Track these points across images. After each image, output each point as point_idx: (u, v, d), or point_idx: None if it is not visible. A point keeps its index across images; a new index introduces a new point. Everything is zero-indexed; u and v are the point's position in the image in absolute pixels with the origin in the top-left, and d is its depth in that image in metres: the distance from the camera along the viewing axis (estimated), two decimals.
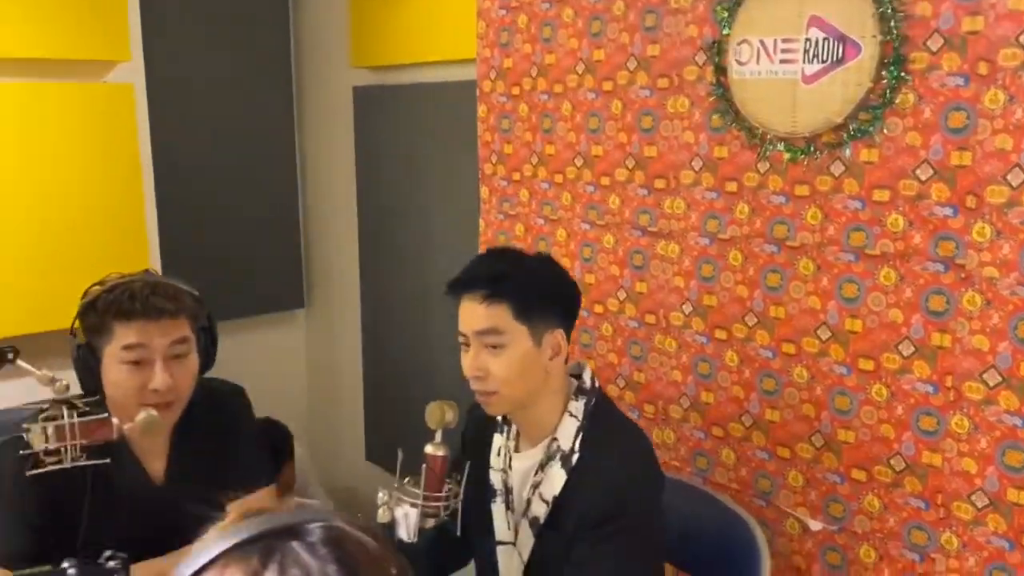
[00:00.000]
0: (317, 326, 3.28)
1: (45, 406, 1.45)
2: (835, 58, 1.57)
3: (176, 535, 1.73)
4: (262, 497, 1.67)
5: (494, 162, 2.34)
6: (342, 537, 0.70)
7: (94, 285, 1.68)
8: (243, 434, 1.82)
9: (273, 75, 3.00)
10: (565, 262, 2.17)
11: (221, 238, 2.92)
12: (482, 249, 2.40)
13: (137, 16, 2.39)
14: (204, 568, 0.67)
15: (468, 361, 1.48)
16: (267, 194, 3.05)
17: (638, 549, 1.40)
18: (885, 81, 1.53)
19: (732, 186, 1.79)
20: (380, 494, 1.40)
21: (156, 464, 1.72)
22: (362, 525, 0.73)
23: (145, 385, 1.62)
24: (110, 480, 1.60)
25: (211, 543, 0.70)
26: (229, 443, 1.79)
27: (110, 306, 1.61)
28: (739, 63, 1.71)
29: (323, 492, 2.88)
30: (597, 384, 1.52)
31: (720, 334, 1.85)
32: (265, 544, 0.68)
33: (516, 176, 2.28)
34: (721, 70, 1.77)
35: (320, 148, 3.09)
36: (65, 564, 0.76)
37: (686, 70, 1.84)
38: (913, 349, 1.55)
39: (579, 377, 1.51)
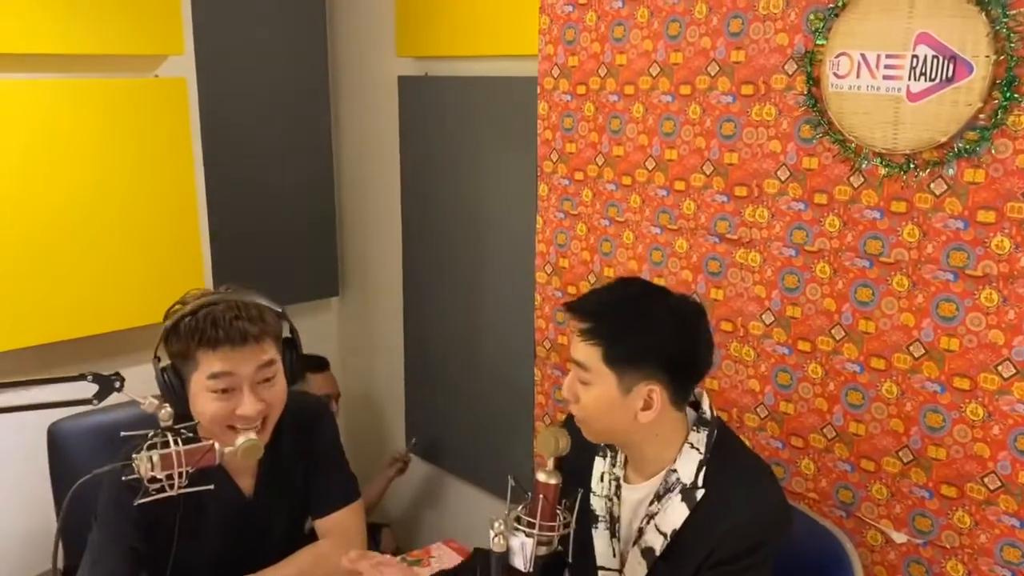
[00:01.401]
0: (350, 314, 3.24)
1: (150, 433, 1.41)
2: (944, 77, 1.54)
3: (264, 550, 1.73)
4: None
5: (554, 160, 2.30)
6: None
7: (175, 304, 1.64)
8: (330, 452, 1.80)
9: (313, 64, 2.92)
10: (632, 265, 2.15)
11: (262, 230, 2.87)
12: (538, 247, 2.38)
13: (188, 9, 2.31)
14: None
15: (565, 382, 1.47)
16: (305, 185, 2.99)
17: None
18: (996, 101, 1.51)
19: (822, 198, 1.77)
20: (496, 523, 1.39)
21: (246, 481, 1.71)
22: None
23: (233, 412, 1.60)
24: (202, 498, 1.58)
25: None
26: (318, 460, 1.77)
27: (193, 333, 1.58)
28: (837, 76, 1.68)
29: None
30: (716, 414, 1.50)
31: (803, 345, 1.85)
32: None
33: (579, 176, 2.24)
34: (813, 81, 1.74)
35: (360, 138, 3.03)
36: None
37: (774, 78, 1.81)
38: (1014, 371, 1.56)
39: (697, 406, 1.49)
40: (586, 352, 1.41)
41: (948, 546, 1.68)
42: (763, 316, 1.91)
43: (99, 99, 2.25)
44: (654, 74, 2.02)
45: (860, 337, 1.76)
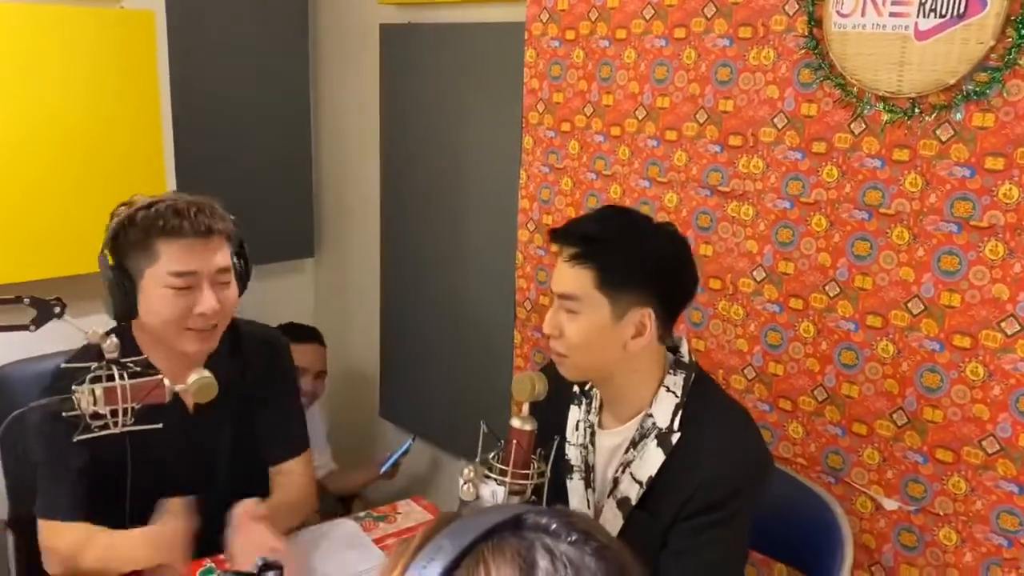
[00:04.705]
0: (327, 276, 3.13)
1: (93, 366, 1.31)
2: (956, 13, 1.45)
3: (211, 472, 1.64)
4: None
5: (540, 111, 2.20)
6: (582, 524, 0.66)
7: (121, 206, 1.55)
8: (287, 393, 1.73)
9: (291, 11, 2.79)
10: None
11: (232, 181, 2.73)
12: (521, 203, 2.28)
13: None
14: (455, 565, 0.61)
15: (547, 318, 1.38)
16: (278, 139, 2.86)
17: (742, 534, 1.32)
18: (1010, 40, 1.42)
19: (820, 146, 1.68)
20: (465, 470, 1.30)
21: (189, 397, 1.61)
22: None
23: (190, 310, 1.51)
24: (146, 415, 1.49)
25: (440, 541, 0.63)
26: (274, 398, 1.71)
27: (153, 223, 1.49)
28: (840, 14, 1.59)
29: (329, 452, 2.77)
30: (695, 358, 1.42)
31: (795, 303, 1.76)
32: (506, 538, 0.63)
33: (566, 127, 2.14)
34: (815, 21, 1.65)
35: (339, 90, 2.91)
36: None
37: (773, 19, 1.71)
38: (1018, 327, 1.48)
39: (676, 350, 1.41)
40: (576, 279, 1.32)
41: (941, 513, 1.60)
42: (754, 272, 1.82)
43: (62, 28, 2.12)
44: (648, 17, 1.92)
45: (856, 293, 1.67)
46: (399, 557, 0.67)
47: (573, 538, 0.63)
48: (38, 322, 1.26)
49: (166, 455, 1.59)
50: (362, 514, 1.71)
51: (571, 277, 1.33)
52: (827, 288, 1.71)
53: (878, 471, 1.68)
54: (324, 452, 2.73)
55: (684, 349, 1.41)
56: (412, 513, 1.71)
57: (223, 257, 1.56)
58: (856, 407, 1.70)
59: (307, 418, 2.66)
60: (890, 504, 1.68)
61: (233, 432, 1.70)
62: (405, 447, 2.65)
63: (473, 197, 2.47)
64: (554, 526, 0.64)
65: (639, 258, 1.33)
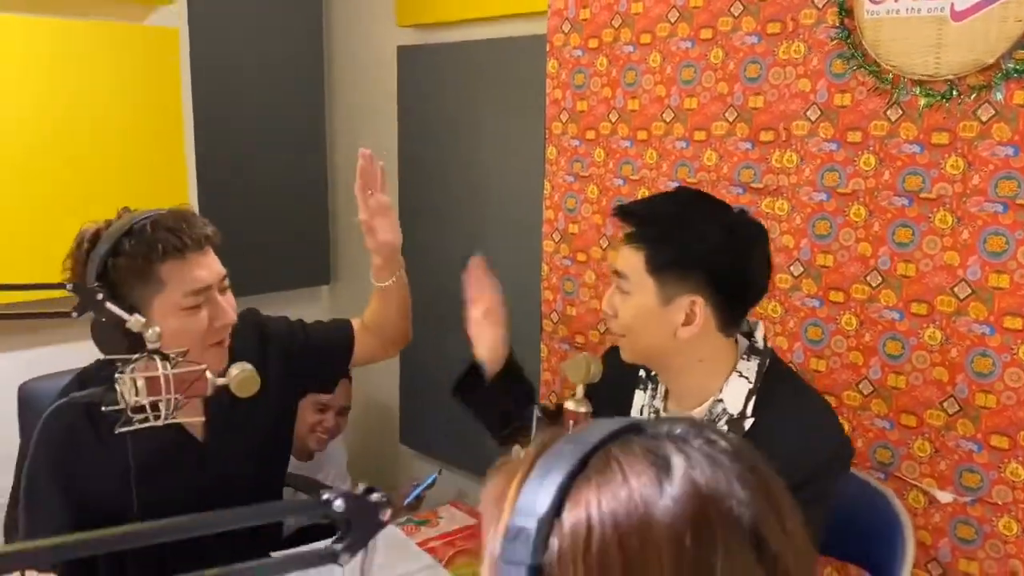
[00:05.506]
0: (341, 304, 3.10)
1: (133, 357, 1.26)
2: None
3: (227, 500, 1.54)
4: None
5: (564, 120, 2.20)
6: (707, 429, 0.62)
7: (81, 243, 1.40)
8: (298, 328, 1.73)
9: (307, 40, 2.81)
10: None
11: (250, 207, 2.73)
12: (546, 214, 2.27)
13: None
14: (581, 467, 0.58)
15: (605, 296, 1.36)
16: (294, 164, 2.86)
17: (815, 525, 1.26)
18: None
19: (855, 136, 1.67)
20: (521, 454, 1.25)
21: (195, 423, 1.54)
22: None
23: (209, 325, 1.45)
24: (150, 453, 1.42)
25: (561, 452, 0.59)
26: (295, 344, 1.68)
27: (151, 248, 1.36)
28: (873, 2, 1.60)
29: (349, 483, 2.71)
30: (770, 345, 1.38)
31: (836, 296, 1.74)
32: (631, 439, 0.60)
33: (590, 134, 2.14)
34: (846, 12, 1.65)
35: (355, 114, 2.92)
36: (327, 495, 0.61)
37: (802, 13, 1.72)
38: None
39: (750, 336, 1.37)
40: (628, 258, 1.30)
41: (1000, 502, 1.56)
42: (791, 267, 1.80)
43: (84, 42, 2.12)
44: (672, 20, 1.93)
45: (899, 281, 1.65)
46: (509, 475, 0.63)
47: (701, 440, 0.60)
48: (80, 309, 1.22)
49: (174, 494, 1.45)
50: (403, 519, 1.65)
51: (624, 256, 1.31)
52: (869, 278, 1.69)
53: (930, 463, 1.64)
54: (344, 483, 2.68)
55: (759, 334, 1.37)
56: (455, 517, 1.67)
57: (219, 262, 1.48)
58: (904, 398, 1.66)
59: (327, 451, 2.63)
60: (944, 496, 1.63)
61: (247, 456, 1.60)
62: (430, 480, 2.58)
63: (494, 214, 2.45)
64: (678, 431, 0.61)
65: (688, 244, 1.30)
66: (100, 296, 1.22)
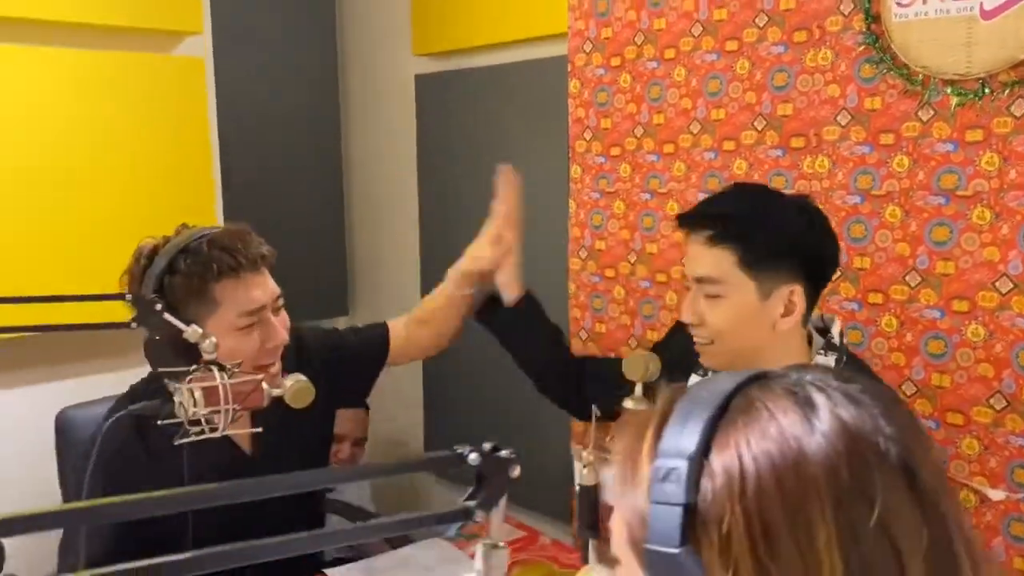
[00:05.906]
0: None
1: (191, 368, 1.25)
2: None
3: (267, 517, 1.52)
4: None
5: (588, 139, 2.22)
6: (843, 375, 0.63)
7: (138, 261, 1.41)
8: (336, 336, 1.80)
9: (322, 75, 2.84)
10: (678, 237, 2.04)
11: (272, 237, 2.72)
12: (572, 232, 2.28)
13: None
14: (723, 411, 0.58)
15: (685, 305, 1.35)
16: (311, 195, 2.87)
17: None
18: None
19: (888, 138, 1.69)
20: (583, 453, 1.24)
21: (243, 438, 1.53)
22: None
23: (261, 345, 1.45)
24: (202, 458, 1.40)
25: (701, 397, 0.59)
26: (334, 353, 1.72)
27: (206, 267, 1.37)
28: (900, 5, 1.63)
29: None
30: (847, 340, 1.38)
31: (875, 298, 1.74)
32: (769, 382, 0.60)
33: (615, 151, 2.16)
34: (872, 17, 1.68)
35: (372, 144, 2.94)
36: (461, 450, 0.61)
37: (828, 21, 1.75)
38: None
39: (826, 332, 1.37)
40: (716, 261, 1.30)
41: None
42: None
43: (111, 73, 2.14)
44: (696, 34, 1.96)
45: (938, 280, 1.66)
46: (640, 427, 0.62)
47: (838, 381, 0.60)
48: (139, 320, 1.21)
49: (226, 508, 1.43)
50: (452, 533, 1.63)
51: (710, 259, 1.31)
52: (907, 278, 1.69)
53: (979, 461, 1.63)
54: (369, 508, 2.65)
55: (835, 330, 1.38)
56: (503, 529, 1.64)
57: (273, 282, 1.49)
58: (949, 397, 1.66)
59: (347, 485, 2.60)
60: (996, 494, 1.62)
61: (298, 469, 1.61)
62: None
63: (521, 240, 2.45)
64: (809, 376, 0.61)
65: (780, 232, 1.31)
66: (159, 306, 1.20)
